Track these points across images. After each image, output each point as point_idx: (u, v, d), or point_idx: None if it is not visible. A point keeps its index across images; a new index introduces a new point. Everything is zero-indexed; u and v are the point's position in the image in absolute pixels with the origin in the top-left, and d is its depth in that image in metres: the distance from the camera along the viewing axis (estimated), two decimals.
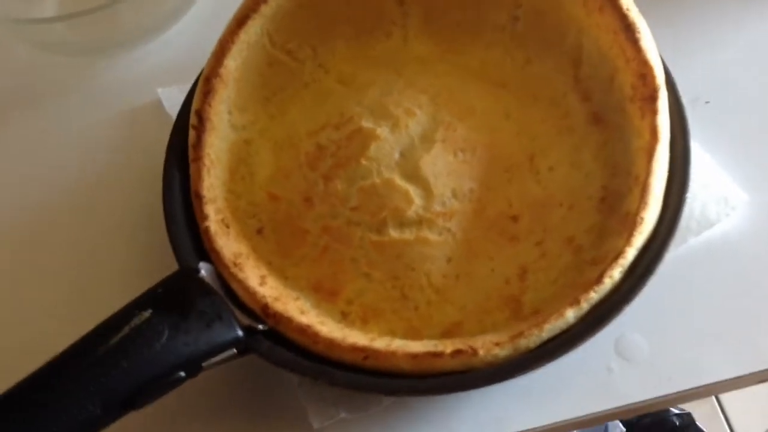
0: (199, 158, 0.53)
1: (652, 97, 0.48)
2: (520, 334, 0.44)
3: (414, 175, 0.51)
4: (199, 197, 0.52)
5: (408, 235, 0.50)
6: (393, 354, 0.45)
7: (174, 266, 0.50)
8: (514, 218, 0.52)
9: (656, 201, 0.46)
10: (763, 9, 0.64)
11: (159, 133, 0.62)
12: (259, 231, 0.54)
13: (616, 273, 0.45)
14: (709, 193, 0.54)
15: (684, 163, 0.48)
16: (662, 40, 0.52)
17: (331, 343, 0.46)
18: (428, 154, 0.51)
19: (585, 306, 0.45)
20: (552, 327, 0.44)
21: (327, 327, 0.47)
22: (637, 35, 0.49)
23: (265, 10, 0.55)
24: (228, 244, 0.51)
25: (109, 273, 0.57)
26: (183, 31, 0.70)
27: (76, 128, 0.65)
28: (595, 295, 0.45)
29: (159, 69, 0.68)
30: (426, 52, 0.58)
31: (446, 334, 0.49)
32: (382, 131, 0.52)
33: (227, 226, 0.52)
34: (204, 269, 0.49)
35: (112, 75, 0.69)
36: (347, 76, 0.59)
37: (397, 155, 0.52)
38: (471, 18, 0.58)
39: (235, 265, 0.50)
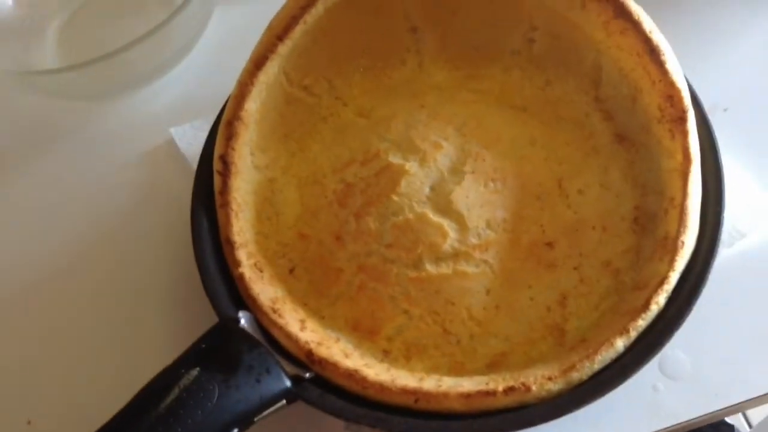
0: (227, 203, 0.53)
1: (682, 119, 0.48)
2: (572, 367, 0.44)
3: (447, 209, 0.51)
4: (231, 243, 0.52)
5: (445, 269, 0.50)
6: (445, 395, 0.45)
7: (211, 316, 0.50)
8: (550, 245, 0.52)
9: (694, 223, 0.47)
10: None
11: (176, 175, 0.62)
12: (291, 271, 0.54)
13: (661, 299, 0.45)
14: (738, 204, 0.54)
15: (717, 181, 0.49)
16: (675, 48, 0.52)
17: (381, 387, 0.46)
18: (459, 186, 0.51)
19: (633, 334, 0.45)
20: (603, 358, 0.44)
21: (373, 370, 0.47)
22: (663, 57, 0.49)
23: (282, 49, 0.54)
24: (264, 289, 0.51)
25: (146, 329, 0.56)
26: (189, 68, 0.69)
27: (91, 176, 0.64)
28: (642, 323, 0.45)
29: (168, 108, 0.68)
30: (444, 79, 0.58)
31: (492, 366, 0.49)
32: (411, 166, 0.52)
33: (261, 270, 0.52)
34: (243, 318, 0.49)
35: (122, 117, 0.68)
36: (366, 108, 0.58)
37: (427, 190, 0.52)
38: (486, 42, 0.58)
39: (274, 311, 0.49)
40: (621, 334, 0.45)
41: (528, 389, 0.44)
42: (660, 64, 0.49)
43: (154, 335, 0.55)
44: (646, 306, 0.45)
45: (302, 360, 0.47)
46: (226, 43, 0.70)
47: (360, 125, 0.57)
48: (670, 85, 0.48)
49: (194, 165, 0.56)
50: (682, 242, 0.46)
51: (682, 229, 0.46)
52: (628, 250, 0.50)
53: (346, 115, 0.58)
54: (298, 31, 0.54)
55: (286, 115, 0.57)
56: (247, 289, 0.50)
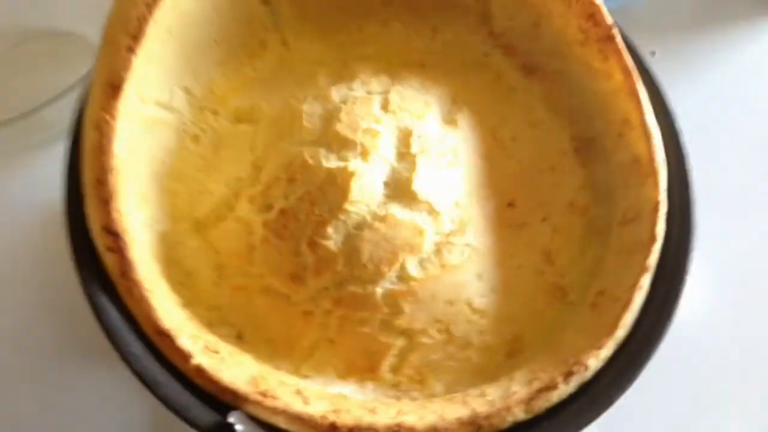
0: (137, 285, 0.39)
1: (609, 37, 0.45)
2: (615, 326, 0.41)
3: (412, 202, 0.43)
4: (166, 334, 0.39)
5: (433, 269, 0.43)
6: (507, 410, 0.39)
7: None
8: (511, 204, 0.47)
9: (659, 139, 0.45)
10: (688, 75, 0.64)
11: None
12: (240, 338, 0.43)
13: (661, 225, 0.43)
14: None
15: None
16: None
17: (435, 430, 0.39)
18: (415, 172, 0.43)
19: (652, 269, 0.42)
20: (637, 304, 0.42)
21: (412, 416, 0.39)
22: None
23: (137, 62, 0.41)
24: (235, 373, 0.39)
25: None
26: None
27: None
28: (656, 255, 0.43)
29: None
30: (321, 53, 0.49)
31: (511, 355, 0.44)
32: (355, 165, 0.43)
33: (216, 351, 0.40)
34: (236, 420, 0.37)
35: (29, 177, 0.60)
36: (243, 111, 0.47)
37: (381, 187, 0.43)
38: None
39: (264, 395, 0.39)
40: (643, 272, 0.42)
41: (586, 366, 0.40)
42: None
43: None
44: (653, 236, 0.43)
45: None
46: None
47: (247, 134, 0.46)
48: (589, 3, 0.45)
49: None
50: (660, 160, 0.44)
51: (653, 148, 0.44)
52: (584, 185, 0.48)
53: (222, 126, 0.47)
54: (150, 34, 0.41)
55: (150, 146, 0.44)
56: (215, 381, 0.39)
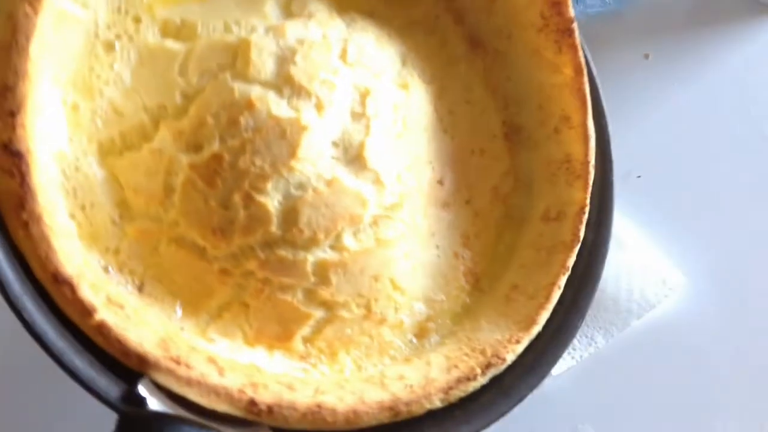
0: (37, 219, 0.32)
1: (569, 30, 0.44)
2: (533, 321, 0.42)
3: (361, 168, 0.39)
4: (66, 281, 0.33)
5: (367, 242, 0.40)
6: (427, 397, 0.38)
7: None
8: (440, 182, 0.45)
9: (593, 143, 0.45)
10: (682, 77, 0.62)
11: None
12: (141, 289, 0.38)
13: (582, 229, 0.44)
14: (647, 274, 0.54)
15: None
16: None
17: (354, 414, 0.37)
18: (369, 137, 0.40)
19: (568, 271, 0.43)
20: (553, 304, 0.43)
21: (331, 396, 0.37)
22: None
23: None
24: (142, 334, 0.34)
25: None
26: None
27: None
28: (573, 257, 0.44)
29: None
30: None
31: (420, 335, 0.43)
32: (308, 118, 0.38)
33: (120, 306, 0.35)
34: (145, 391, 0.33)
35: None
36: (173, 26, 0.39)
37: (330, 147, 0.39)
38: None
39: (176, 361, 0.34)
40: (563, 272, 0.43)
41: (503, 360, 0.40)
42: None
43: None
44: (575, 239, 0.44)
45: (244, 416, 0.35)
46: None
47: (176, 54, 0.39)
48: None
49: None
50: (593, 165, 0.45)
51: (589, 151, 0.45)
52: (508, 172, 0.47)
53: (143, 38, 0.39)
54: None
55: (55, 47, 0.36)
56: (121, 343, 0.33)
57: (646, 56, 0.61)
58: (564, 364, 0.52)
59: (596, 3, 0.64)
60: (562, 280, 0.43)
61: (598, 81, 0.48)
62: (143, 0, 0.39)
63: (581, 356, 0.53)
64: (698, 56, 0.62)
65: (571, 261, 0.44)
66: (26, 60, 0.32)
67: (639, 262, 0.55)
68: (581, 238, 0.44)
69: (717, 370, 0.55)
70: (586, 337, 0.53)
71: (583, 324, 0.44)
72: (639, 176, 0.58)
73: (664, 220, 0.57)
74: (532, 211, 0.47)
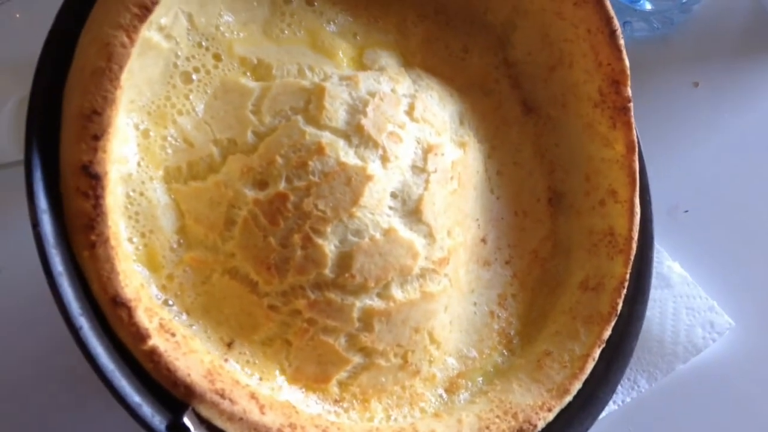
0: (104, 241, 0.33)
1: (626, 109, 0.46)
2: (566, 391, 0.42)
3: (416, 221, 0.40)
4: (125, 304, 0.33)
5: (412, 293, 0.41)
6: None
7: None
8: (484, 240, 0.46)
9: (637, 224, 0.46)
10: (734, 106, 0.60)
11: None
12: (188, 313, 0.38)
13: (620, 303, 0.45)
14: (694, 316, 0.53)
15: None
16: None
17: None
18: (427, 191, 0.41)
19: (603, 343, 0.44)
20: (587, 374, 0.43)
21: None
22: (621, 42, 0.44)
23: None
24: (190, 363, 0.35)
25: None
26: None
27: None
28: (610, 330, 0.44)
29: None
30: (346, 25, 0.44)
31: (449, 390, 0.44)
32: (374, 168, 0.39)
33: (172, 334, 0.35)
34: (189, 423, 0.33)
35: None
36: (250, 65, 0.40)
37: (389, 198, 0.40)
38: None
39: (221, 394, 0.35)
40: (599, 344, 0.44)
41: (535, 426, 0.41)
42: (617, 49, 0.44)
43: None
44: (613, 312, 0.45)
45: None
46: None
47: (251, 92, 0.40)
48: (621, 72, 0.45)
49: None
50: (636, 240, 0.46)
51: (634, 227, 0.46)
52: (548, 237, 0.48)
53: (222, 74, 0.40)
54: None
55: (136, 71, 0.37)
56: (170, 370, 0.34)
57: (696, 84, 0.60)
58: (605, 408, 0.51)
59: (644, 27, 0.64)
60: (597, 352, 0.44)
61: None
62: (224, 38, 0.40)
63: (623, 400, 0.51)
64: (749, 84, 0.59)
65: (607, 334, 0.44)
66: (117, 87, 0.33)
67: (685, 303, 0.53)
68: (618, 312, 0.45)
69: (765, 418, 0.52)
70: (629, 380, 0.51)
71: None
72: (686, 211, 0.56)
73: (712, 259, 0.55)
74: (569, 277, 0.47)
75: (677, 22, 0.63)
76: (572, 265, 0.48)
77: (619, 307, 0.45)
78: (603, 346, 0.44)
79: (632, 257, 0.46)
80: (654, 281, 0.47)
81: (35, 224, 0.33)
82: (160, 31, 0.37)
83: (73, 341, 0.33)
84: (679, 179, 0.55)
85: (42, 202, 0.33)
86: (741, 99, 0.60)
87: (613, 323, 0.45)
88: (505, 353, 0.46)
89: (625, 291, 0.45)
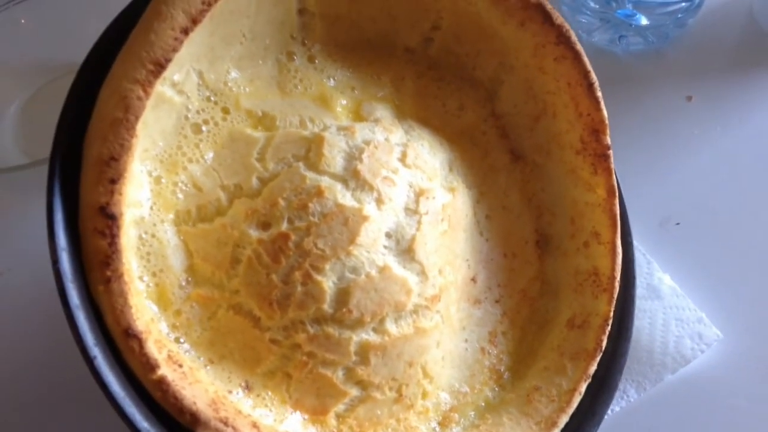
0: (119, 277, 0.36)
1: (605, 156, 0.49)
2: (554, 424, 0.44)
3: (409, 260, 0.43)
4: (137, 336, 0.36)
5: (406, 328, 0.43)
6: None
7: None
8: (474, 279, 0.49)
9: (619, 264, 0.49)
10: (727, 121, 0.62)
11: None
12: (195, 346, 0.40)
13: (605, 339, 0.47)
14: (683, 328, 0.54)
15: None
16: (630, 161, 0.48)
17: None
18: (420, 232, 0.43)
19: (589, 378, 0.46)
20: (574, 408, 0.45)
21: None
22: (598, 94, 0.48)
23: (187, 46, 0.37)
24: (196, 393, 0.37)
25: None
26: None
27: None
28: (595, 365, 0.47)
29: None
30: (340, 82, 0.47)
31: (443, 424, 0.46)
32: (370, 210, 0.42)
33: (179, 365, 0.37)
34: None
35: None
36: (255, 117, 0.44)
37: (383, 238, 0.43)
38: (381, 34, 0.49)
39: (225, 422, 0.37)
40: (584, 379, 0.46)
41: None
42: (595, 100, 0.48)
43: None
44: (598, 348, 0.47)
45: None
46: None
47: (256, 141, 0.43)
48: (600, 122, 0.48)
49: None
50: (618, 281, 0.48)
51: (616, 267, 0.48)
52: (536, 277, 0.51)
53: (229, 125, 0.43)
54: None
55: (150, 122, 0.40)
56: (178, 399, 0.36)
57: (689, 98, 0.60)
58: None
59: (639, 41, 0.65)
60: (583, 387, 0.46)
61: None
62: (232, 92, 0.44)
63: (612, 410, 0.52)
64: (742, 98, 0.59)
65: (593, 369, 0.47)
66: (133, 136, 0.36)
67: (675, 315, 0.54)
68: (603, 348, 0.47)
69: (750, 429, 0.52)
70: (618, 389, 0.51)
71: None
72: (678, 223, 0.56)
73: (702, 271, 0.55)
74: (557, 316, 0.50)
75: (672, 37, 0.65)
76: (560, 304, 0.50)
77: (604, 344, 0.47)
78: (589, 380, 0.46)
79: (615, 296, 0.48)
80: (644, 292, 0.48)
81: (55, 261, 0.36)
82: (173, 87, 0.41)
83: (74, 344, 0.36)
84: (671, 192, 0.55)
85: (62, 241, 0.36)
86: (734, 113, 0.61)
87: (598, 359, 0.47)
88: (496, 388, 0.48)
89: (609, 328, 0.48)
